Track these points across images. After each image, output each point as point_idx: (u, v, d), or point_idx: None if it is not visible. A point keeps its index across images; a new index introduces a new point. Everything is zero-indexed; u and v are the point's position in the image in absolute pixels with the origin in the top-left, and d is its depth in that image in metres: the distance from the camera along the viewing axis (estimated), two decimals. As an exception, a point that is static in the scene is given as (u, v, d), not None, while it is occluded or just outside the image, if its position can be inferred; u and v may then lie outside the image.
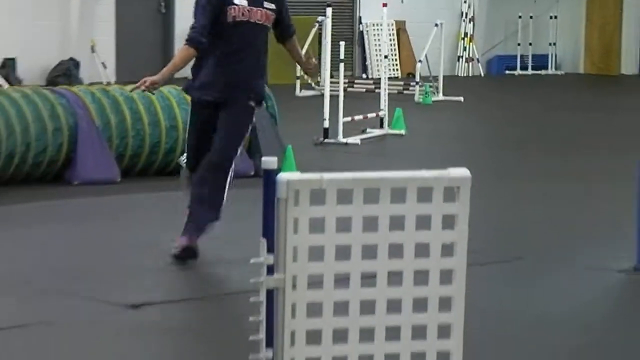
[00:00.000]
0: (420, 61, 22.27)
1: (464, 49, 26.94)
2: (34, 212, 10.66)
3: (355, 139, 15.44)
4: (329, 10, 16.27)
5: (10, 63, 20.79)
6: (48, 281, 8.08)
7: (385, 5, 17.77)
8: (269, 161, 4.57)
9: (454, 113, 20.17)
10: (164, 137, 12.31)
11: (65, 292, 7.79)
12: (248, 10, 8.51)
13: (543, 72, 28.12)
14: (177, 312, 7.40)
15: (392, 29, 25.20)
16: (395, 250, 4.67)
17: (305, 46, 20.24)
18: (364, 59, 25.84)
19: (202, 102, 8.68)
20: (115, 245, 9.47)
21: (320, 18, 19.72)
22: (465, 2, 27.20)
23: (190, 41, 8.46)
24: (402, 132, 16.39)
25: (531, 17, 27.81)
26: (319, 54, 19.30)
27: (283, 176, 4.51)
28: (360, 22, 26.13)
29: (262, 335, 4.57)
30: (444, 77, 22.32)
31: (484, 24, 27.91)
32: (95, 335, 6.96)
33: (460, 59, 26.95)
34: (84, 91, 12.60)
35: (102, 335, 6.99)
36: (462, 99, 21.28)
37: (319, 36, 20.68)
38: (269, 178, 4.54)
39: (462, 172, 4.68)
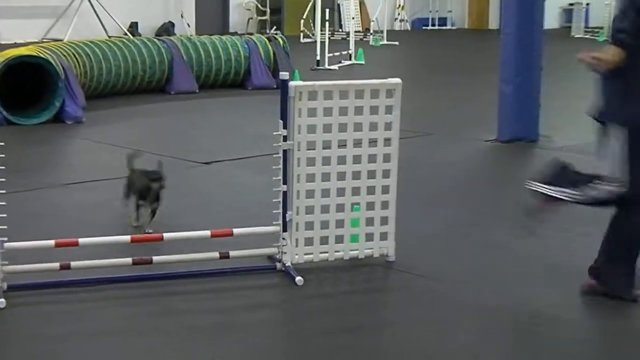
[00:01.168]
0: (373, 20, 22.01)
1: (399, 13, 26.40)
2: (149, 109, 10.57)
3: (334, 67, 15.29)
4: (319, -9, 16.03)
5: (134, 24, 20.52)
6: (158, 148, 7.98)
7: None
8: (284, 75, 4.51)
9: (393, 51, 19.86)
10: (223, 66, 12.16)
11: (164, 155, 7.67)
12: None
13: (444, 27, 27.67)
14: (237, 166, 7.36)
15: (357, 2, 24.87)
16: (357, 127, 4.62)
17: (305, 13, 19.93)
18: (340, 19, 25.28)
19: None
20: (199, 126, 9.41)
21: (314, -4, 19.31)
22: (399, -14, 26.62)
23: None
24: (362, 62, 16.22)
25: (437, -5, 27.30)
26: (313, 17, 18.86)
27: (292, 83, 4.45)
28: (337, -1, 25.62)
29: (280, 177, 4.55)
30: (387, 30, 21.98)
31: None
32: (185, 178, 6.93)
33: (397, 19, 26.44)
34: (177, 39, 12.43)
35: (190, 178, 6.96)
36: (397, 43, 20.98)
37: (313, 7, 20.21)
38: (284, 85, 4.47)
39: (396, 80, 4.64)
